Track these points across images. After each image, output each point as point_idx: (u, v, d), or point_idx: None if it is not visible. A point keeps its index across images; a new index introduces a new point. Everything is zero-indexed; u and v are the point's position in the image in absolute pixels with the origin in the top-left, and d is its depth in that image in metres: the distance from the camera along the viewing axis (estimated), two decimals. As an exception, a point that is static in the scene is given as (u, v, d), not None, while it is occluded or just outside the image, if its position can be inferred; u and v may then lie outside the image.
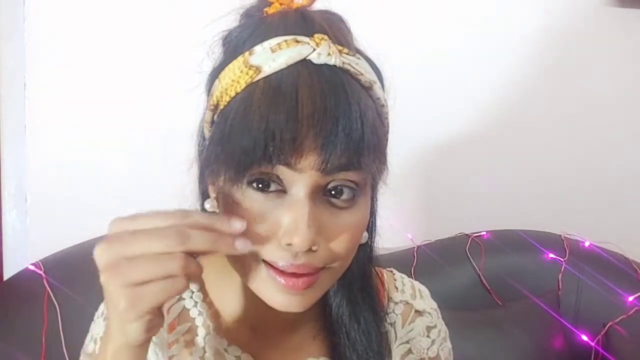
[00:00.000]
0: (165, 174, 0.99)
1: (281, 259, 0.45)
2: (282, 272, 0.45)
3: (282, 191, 0.45)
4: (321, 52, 0.44)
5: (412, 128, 1.07)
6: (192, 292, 0.56)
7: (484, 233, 1.10)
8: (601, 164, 1.24)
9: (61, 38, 0.99)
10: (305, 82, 0.43)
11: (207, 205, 0.50)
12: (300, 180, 0.44)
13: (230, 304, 0.56)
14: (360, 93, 0.45)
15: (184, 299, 0.56)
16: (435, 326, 0.61)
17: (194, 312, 0.55)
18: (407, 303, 0.60)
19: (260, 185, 0.44)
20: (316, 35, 0.46)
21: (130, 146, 1.02)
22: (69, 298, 0.85)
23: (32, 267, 0.88)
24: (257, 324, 0.55)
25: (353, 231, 0.47)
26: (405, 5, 1.10)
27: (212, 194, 0.50)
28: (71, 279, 0.86)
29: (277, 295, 0.46)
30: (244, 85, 0.45)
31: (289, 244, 0.44)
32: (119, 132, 1.02)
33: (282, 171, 0.44)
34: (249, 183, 0.44)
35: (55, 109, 1.00)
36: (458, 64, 1.14)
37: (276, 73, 0.44)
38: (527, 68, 1.17)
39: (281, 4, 0.49)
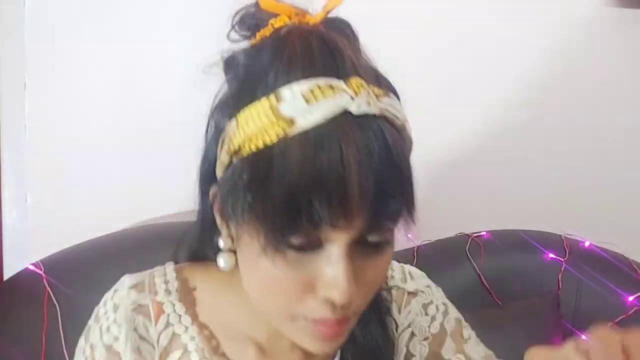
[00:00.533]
0: (166, 175, 0.99)
1: (319, 315, 0.44)
2: (318, 322, 0.45)
3: (319, 245, 0.43)
4: (361, 102, 0.42)
5: (411, 128, 1.07)
6: (180, 316, 0.54)
7: (484, 233, 1.10)
8: (601, 163, 1.24)
9: (61, 38, 0.99)
10: (348, 138, 0.41)
11: (222, 244, 0.49)
12: (341, 237, 0.42)
13: (232, 324, 0.54)
14: (397, 138, 0.44)
15: (173, 324, 0.54)
16: (431, 302, 0.60)
17: (185, 338, 0.53)
18: (398, 288, 0.60)
19: (298, 247, 0.42)
20: (352, 81, 0.43)
21: (131, 147, 1.02)
22: (69, 298, 0.85)
23: (32, 267, 0.87)
24: (265, 344, 0.54)
25: (384, 269, 0.47)
26: (404, 6, 1.10)
27: (224, 229, 0.48)
28: (71, 279, 0.86)
29: (312, 342, 0.46)
30: (275, 138, 0.41)
31: (327, 299, 0.43)
32: (119, 133, 1.02)
33: (324, 230, 0.42)
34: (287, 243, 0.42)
35: (55, 109, 1.00)
36: (457, 65, 1.14)
37: (314, 128, 0.41)
38: (526, 68, 1.17)
39: (290, 19, 0.45)
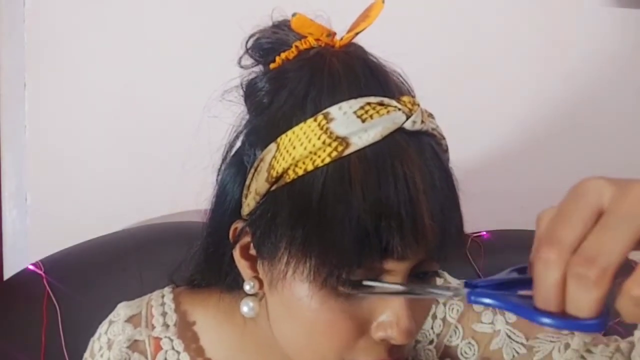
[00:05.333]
0: (166, 175, 0.99)
1: (375, 357, 0.41)
2: None
3: (372, 280, 0.39)
4: (416, 119, 0.40)
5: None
6: (178, 353, 0.52)
7: (484, 233, 1.10)
8: (601, 163, 1.24)
9: (61, 38, 0.99)
10: (408, 157, 0.39)
11: (247, 287, 0.45)
12: (402, 269, 0.39)
13: (230, 355, 0.52)
14: (447, 158, 0.43)
15: (163, 348, 0.52)
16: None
17: None
18: None
19: (355, 283, 0.38)
20: (405, 99, 0.41)
21: (131, 146, 1.02)
22: (69, 298, 0.85)
23: (32, 267, 0.87)
24: None
25: (431, 303, 0.45)
26: (400, 8, 1.10)
27: (248, 271, 0.44)
28: (71, 279, 0.86)
29: None
30: (328, 160, 0.38)
31: (385, 339, 0.40)
32: (119, 132, 1.02)
33: (387, 262, 0.39)
34: (344, 282, 0.38)
35: (55, 109, 1.00)
36: (456, 66, 1.14)
37: (370, 147, 0.38)
38: (525, 69, 1.17)
39: (319, 40, 0.43)
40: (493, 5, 1.14)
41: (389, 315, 0.40)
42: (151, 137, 1.02)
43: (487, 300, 0.34)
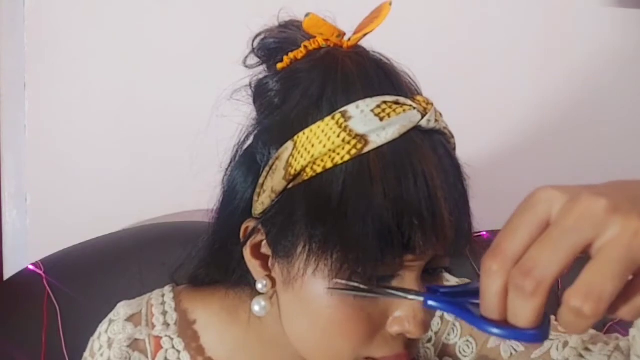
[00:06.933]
0: (166, 175, 0.99)
1: (392, 352, 0.41)
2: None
3: (392, 276, 0.40)
4: (430, 118, 0.41)
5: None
6: (178, 352, 0.51)
7: (484, 233, 1.09)
8: (601, 163, 1.24)
9: (61, 38, 0.99)
10: (425, 155, 0.39)
11: (260, 286, 0.44)
12: (418, 264, 0.40)
13: (232, 354, 0.52)
14: (457, 155, 0.44)
15: (164, 347, 0.52)
16: None
17: None
18: None
19: (378, 279, 0.39)
20: (419, 98, 0.42)
21: (131, 147, 1.02)
22: (69, 298, 0.85)
23: (32, 267, 0.87)
24: None
25: None
26: (400, 8, 1.10)
27: (260, 270, 0.44)
28: (71, 279, 0.86)
29: None
30: (347, 157, 0.38)
31: (402, 333, 0.40)
32: (119, 133, 1.02)
33: (406, 258, 0.39)
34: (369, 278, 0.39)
35: (55, 109, 1.00)
36: (455, 64, 1.14)
37: (388, 145, 0.39)
38: (525, 69, 1.17)
39: (328, 41, 0.43)
40: (493, 5, 1.14)
41: (405, 310, 0.40)
42: (151, 137, 1.02)
43: (441, 306, 0.35)
